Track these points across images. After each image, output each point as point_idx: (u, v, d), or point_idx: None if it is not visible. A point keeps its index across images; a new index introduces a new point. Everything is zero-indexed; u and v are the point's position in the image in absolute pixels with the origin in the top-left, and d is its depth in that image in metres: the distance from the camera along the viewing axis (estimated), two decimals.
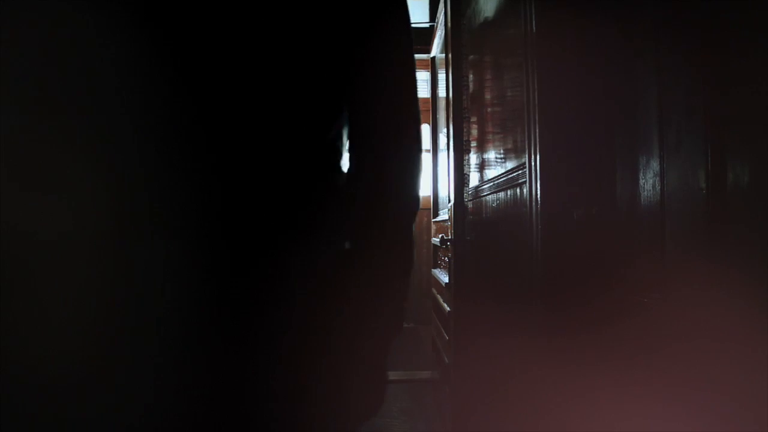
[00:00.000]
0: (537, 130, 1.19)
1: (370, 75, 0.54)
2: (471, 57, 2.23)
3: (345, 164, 0.56)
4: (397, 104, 0.57)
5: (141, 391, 0.52)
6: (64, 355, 0.51)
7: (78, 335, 0.51)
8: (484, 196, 1.85)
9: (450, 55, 2.43)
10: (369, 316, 0.55)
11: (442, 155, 3.02)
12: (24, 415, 0.50)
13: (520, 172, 1.34)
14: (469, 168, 2.22)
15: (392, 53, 0.57)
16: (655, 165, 0.76)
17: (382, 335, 0.56)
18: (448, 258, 2.52)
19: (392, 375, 3.15)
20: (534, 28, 1.20)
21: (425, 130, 3.94)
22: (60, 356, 0.51)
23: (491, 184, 1.73)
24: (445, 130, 2.74)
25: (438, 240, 2.88)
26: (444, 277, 2.73)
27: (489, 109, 1.88)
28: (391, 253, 0.56)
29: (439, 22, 2.90)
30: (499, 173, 1.61)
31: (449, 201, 2.41)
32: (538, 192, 1.17)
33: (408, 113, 0.58)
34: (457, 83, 2.36)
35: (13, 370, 0.49)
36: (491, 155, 1.79)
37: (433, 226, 3.54)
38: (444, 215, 2.80)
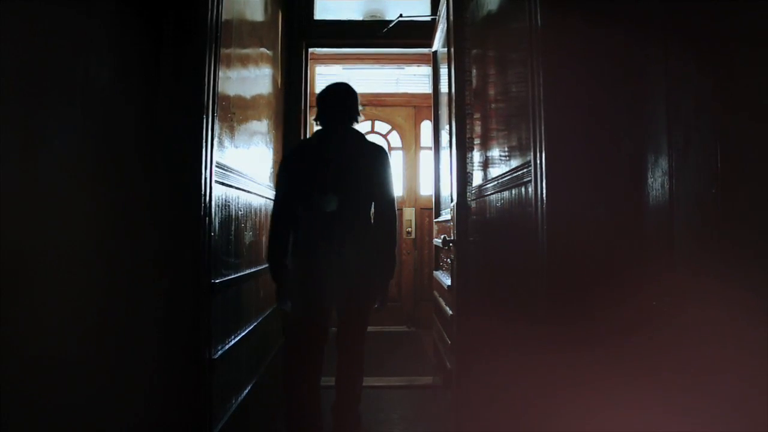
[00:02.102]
0: (542, 128, 1.20)
1: (379, 189, 1.97)
2: (474, 52, 2.24)
3: (371, 219, 2.03)
4: (390, 199, 1.98)
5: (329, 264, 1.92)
6: (315, 274, 1.93)
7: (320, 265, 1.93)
8: (488, 195, 1.86)
9: (452, 50, 2.44)
10: (381, 261, 1.99)
11: (444, 153, 3.02)
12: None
13: (525, 170, 1.35)
14: (473, 166, 2.22)
15: (388, 179, 1.99)
16: (663, 164, 0.77)
17: (389, 267, 2.00)
18: (451, 259, 2.53)
19: (392, 381, 3.17)
20: (539, 22, 1.21)
21: (428, 127, 4.59)
22: (313, 273, 1.94)
23: (495, 183, 1.74)
24: (447, 126, 2.75)
25: (440, 241, 2.89)
26: (446, 280, 2.74)
27: (493, 106, 1.88)
28: (388, 243, 1.98)
29: (441, 15, 2.91)
30: (504, 171, 1.62)
31: (452, 200, 2.42)
32: (544, 191, 1.18)
33: (391, 203, 1.98)
34: (460, 78, 2.37)
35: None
36: (495, 153, 1.80)
37: (435, 227, 3.55)
38: (446, 215, 2.81)
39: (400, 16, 3.34)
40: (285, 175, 2.02)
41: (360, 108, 2.09)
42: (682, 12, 0.71)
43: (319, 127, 2.05)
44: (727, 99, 0.62)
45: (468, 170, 2.29)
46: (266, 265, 2.27)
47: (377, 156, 1.99)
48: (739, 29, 0.60)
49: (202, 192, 1.49)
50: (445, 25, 2.73)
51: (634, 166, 0.89)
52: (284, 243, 1.97)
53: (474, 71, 2.24)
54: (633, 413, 0.83)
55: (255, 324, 2.19)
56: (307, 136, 3.25)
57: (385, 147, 5.11)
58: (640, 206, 0.88)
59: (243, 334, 1.97)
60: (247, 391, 2.02)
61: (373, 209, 2.01)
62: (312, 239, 1.94)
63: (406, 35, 3.38)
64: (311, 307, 1.95)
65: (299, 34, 3.22)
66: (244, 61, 2.06)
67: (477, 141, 2.16)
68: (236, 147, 1.91)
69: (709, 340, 0.67)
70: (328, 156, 1.97)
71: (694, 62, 0.69)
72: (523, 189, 1.39)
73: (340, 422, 2.08)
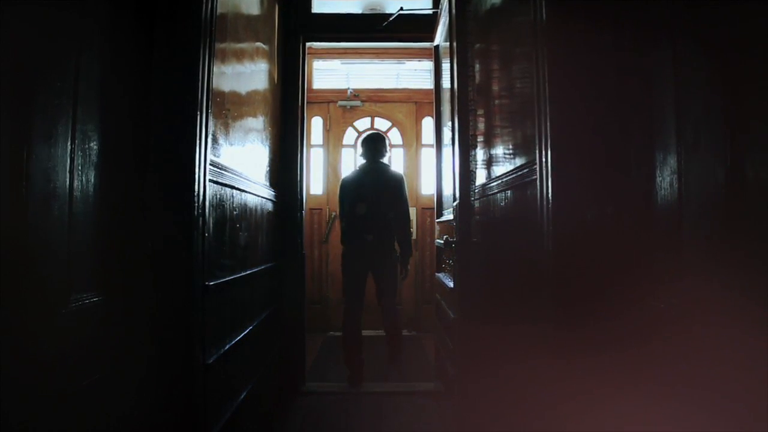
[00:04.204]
0: (548, 125, 1.20)
1: (397, 201, 3.37)
2: (477, 46, 2.24)
3: (392, 226, 3.41)
4: (405, 212, 3.42)
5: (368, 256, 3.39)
6: (353, 276, 3.43)
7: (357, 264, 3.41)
8: (492, 194, 1.87)
9: (455, 44, 2.44)
10: (399, 250, 3.44)
11: (447, 151, 3.03)
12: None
13: (530, 168, 1.35)
14: (476, 164, 2.23)
15: (403, 195, 3.40)
16: (672, 162, 0.77)
17: (407, 254, 3.42)
18: (453, 261, 2.53)
19: (393, 387, 3.18)
20: (544, 15, 1.22)
21: (429, 123, 4.74)
22: (354, 271, 3.43)
23: (499, 181, 1.74)
24: (449, 123, 2.75)
25: (442, 242, 2.89)
26: (448, 282, 2.74)
27: (497, 102, 1.89)
28: (403, 236, 3.40)
29: (443, 8, 2.91)
30: (508, 170, 1.63)
31: (454, 200, 2.42)
32: (550, 190, 1.18)
33: (406, 215, 3.43)
34: (463, 74, 2.37)
35: None
36: (499, 151, 1.80)
37: (437, 227, 3.55)
38: (449, 215, 2.81)
39: (401, 9, 3.34)
40: (343, 192, 3.48)
41: (387, 148, 3.60)
42: (691, 13, 0.71)
43: (363, 161, 3.47)
44: (737, 98, 0.62)
45: (471, 169, 2.29)
46: (262, 267, 2.48)
47: (396, 181, 3.39)
48: (749, 31, 0.60)
49: (196, 191, 1.49)
50: (447, 19, 2.73)
51: (642, 164, 0.89)
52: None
53: (477, 66, 2.24)
54: (640, 421, 0.84)
55: (251, 327, 2.19)
56: (305, 134, 3.36)
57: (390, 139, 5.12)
58: (648, 206, 0.88)
59: (239, 337, 1.98)
60: (243, 396, 2.03)
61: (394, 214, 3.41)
62: (356, 232, 3.31)
63: (406, 29, 3.38)
64: (354, 273, 3.37)
65: (296, 28, 3.22)
66: (240, 56, 2.06)
67: (480, 138, 2.17)
68: (231, 144, 1.91)
69: (722, 358, 0.67)
70: (365, 181, 3.34)
71: (704, 61, 0.70)
72: (528, 188, 1.39)
73: (391, 350, 3.52)
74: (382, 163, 3.45)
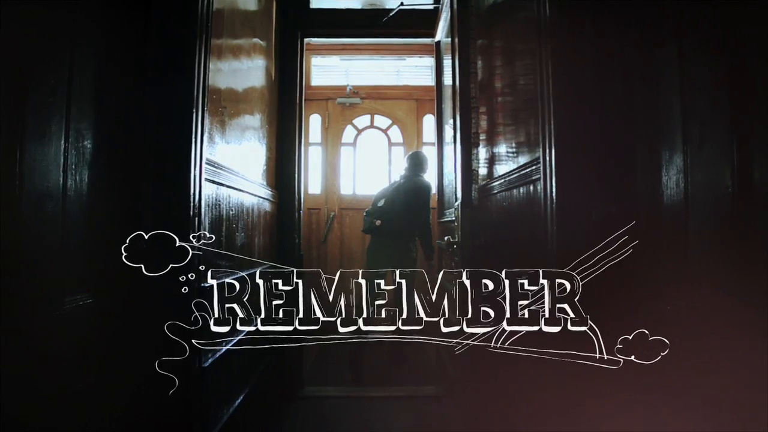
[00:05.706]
0: (552, 123, 1.20)
1: (420, 208, 3.88)
2: (479, 42, 2.25)
3: (415, 230, 3.92)
4: (424, 216, 3.90)
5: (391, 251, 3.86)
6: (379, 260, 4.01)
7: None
8: (495, 194, 1.87)
9: (456, 40, 2.45)
10: (421, 249, 3.97)
11: (448, 149, 3.03)
12: None
13: (533, 167, 1.36)
14: (478, 163, 2.23)
15: (421, 201, 3.88)
16: (678, 161, 0.78)
17: (427, 252, 3.95)
18: (455, 263, 2.53)
19: (394, 391, 3.18)
20: (548, 11, 1.22)
21: (430, 121, 4.88)
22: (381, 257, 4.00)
23: (502, 180, 1.75)
24: (451, 121, 2.76)
25: (443, 243, 2.89)
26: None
27: (499, 99, 1.89)
28: (424, 237, 3.94)
29: (444, 3, 2.92)
30: (511, 169, 1.63)
31: (456, 200, 2.42)
32: (554, 189, 1.19)
33: (423, 218, 3.89)
34: (465, 70, 2.38)
35: None
36: (502, 149, 1.81)
37: (438, 228, 3.55)
38: (450, 215, 2.82)
39: (401, 4, 3.34)
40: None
41: (427, 166, 4.06)
42: (696, 12, 0.71)
43: (404, 172, 4.07)
44: (745, 98, 0.62)
45: (473, 167, 2.29)
46: (259, 268, 2.47)
47: (424, 191, 3.93)
48: (755, 31, 0.60)
49: (192, 191, 1.49)
50: (449, 14, 2.73)
51: (648, 163, 0.90)
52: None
53: (479, 63, 2.25)
54: (645, 426, 0.84)
55: (248, 330, 2.19)
56: (303, 132, 3.38)
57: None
58: (654, 205, 0.88)
59: (235, 341, 1.98)
60: (240, 400, 2.03)
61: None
62: (371, 219, 3.93)
63: (407, 24, 3.39)
64: (373, 265, 3.93)
65: (294, 23, 3.22)
66: (236, 52, 2.06)
67: (483, 136, 2.17)
68: (228, 143, 1.92)
69: (726, 348, 0.67)
70: (396, 184, 4.02)
71: (711, 60, 0.70)
72: (531, 187, 1.40)
73: None
74: (417, 175, 4.17)
